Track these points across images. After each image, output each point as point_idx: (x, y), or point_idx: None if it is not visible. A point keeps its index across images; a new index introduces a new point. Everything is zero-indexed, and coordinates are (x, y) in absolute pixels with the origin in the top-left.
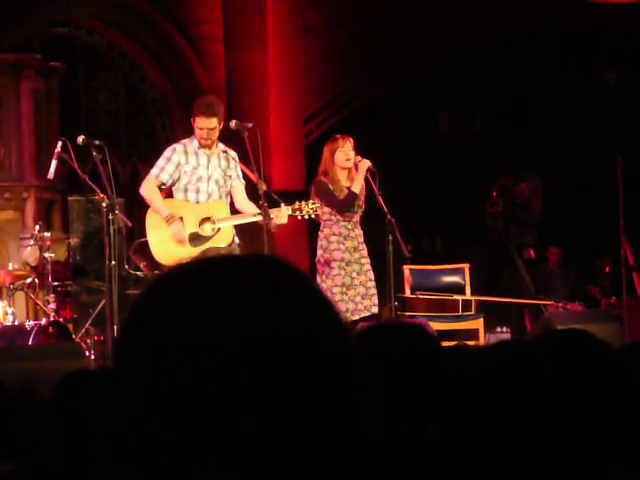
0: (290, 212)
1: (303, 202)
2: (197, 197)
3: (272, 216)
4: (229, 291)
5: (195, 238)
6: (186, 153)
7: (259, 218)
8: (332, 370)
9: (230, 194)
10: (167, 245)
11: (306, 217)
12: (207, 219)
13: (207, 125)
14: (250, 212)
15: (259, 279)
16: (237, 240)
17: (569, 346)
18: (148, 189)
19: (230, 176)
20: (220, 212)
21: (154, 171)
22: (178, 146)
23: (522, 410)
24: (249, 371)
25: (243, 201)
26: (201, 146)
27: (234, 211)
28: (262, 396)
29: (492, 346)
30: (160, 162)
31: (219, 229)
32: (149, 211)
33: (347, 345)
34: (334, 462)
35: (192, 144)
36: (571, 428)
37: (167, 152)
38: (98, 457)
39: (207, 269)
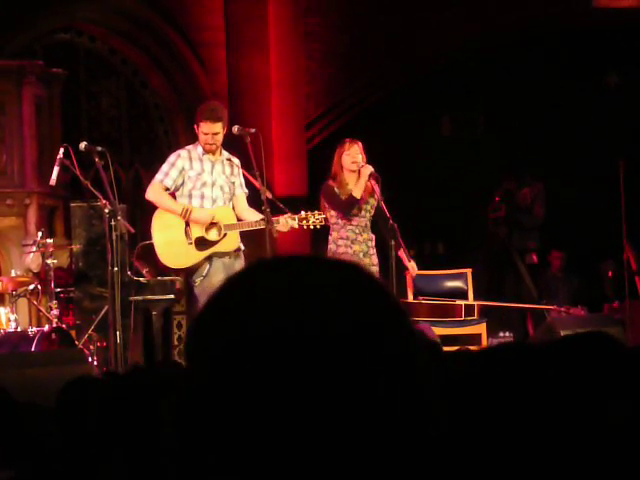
0: (296, 221)
1: (309, 212)
2: (201, 203)
3: (276, 223)
4: (308, 288)
5: (201, 242)
6: (190, 159)
7: (264, 225)
8: (401, 370)
9: (232, 202)
10: (172, 247)
11: (311, 227)
12: (214, 224)
13: (211, 130)
14: (255, 219)
15: (338, 280)
16: (242, 247)
17: (586, 350)
18: (154, 193)
19: (233, 183)
20: (227, 218)
21: (158, 176)
22: (182, 152)
23: (526, 412)
24: (323, 367)
25: (244, 209)
26: (205, 152)
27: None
28: (334, 392)
29: (494, 348)
30: (164, 167)
31: (225, 234)
32: (156, 213)
33: (415, 348)
34: (398, 463)
35: (196, 150)
36: (575, 432)
37: (171, 157)
38: (107, 462)
39: (289, 265)
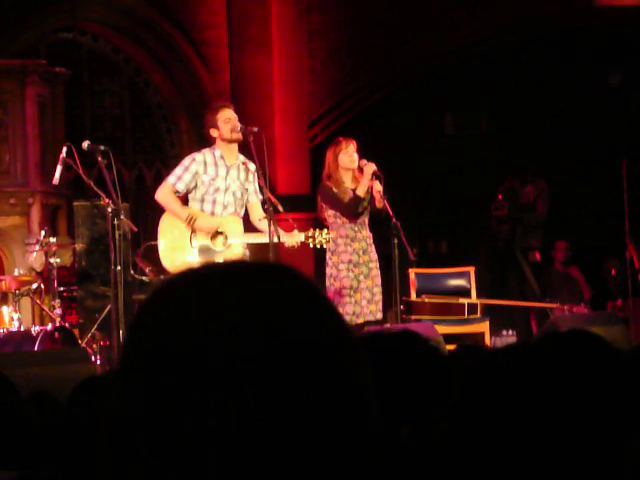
0: (303, 239)
1: (317, 230)
2: (213, 208)
3: (283, 240)
4: (234, 296)
5: (205, 250)
6: (205, 164)
7: (271, 240)
8: (335, 374)
9: (245, 207)
10: (175, 252)
11: (317, 246)
12: (220, 233)
13: (232, 115)
14: (263, 232)
15: (264, 285)
16: (247, 253)
17: (573, 347)
18: (164, 195)
19: (247, 189)
20: (234, 228)
21: (171, 179)
22: (198, 156)
23: (527, 412)
24: (253, 375)
25: (258, 216)
26: (233, 140)
27: (247, 223)
28: (265, 400)
29: (499, 349)
30: (178, 170)
31: (230, 245)
32: (164, 215)
33: (350, 351)
34: (339, 462)
35: (213, 154)
36: (575, 432)
37: (186, 161)
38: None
39: (214, 273)
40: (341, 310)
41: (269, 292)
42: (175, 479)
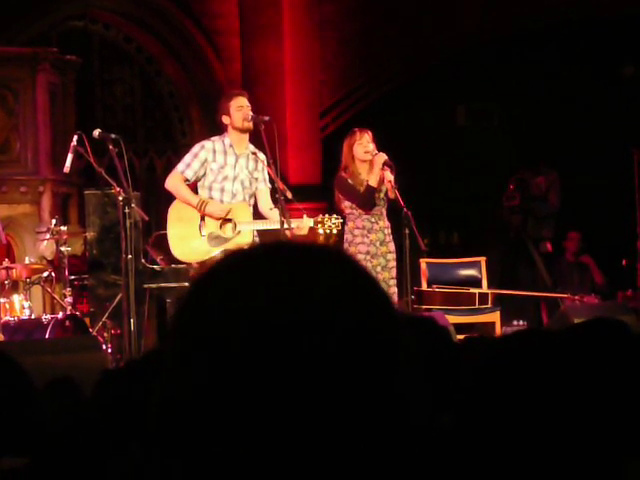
0: (312, 225)
1: (326, 216)
2: (221, 196)
3: (294, 226)
4: (291, 277)
5: (215, 238)
6: (214, 151)
7: (280, 226)
8: (385, 361)
9: (255, 196)
10: (185, 241)
11: (327, 232)
12: (229, 220)
13: (245, 102)
14: (275, 213)
15: (321, 267)
16: (257, 240)
17: (597, 335)
18: (174, 183)
19: (256, 178)
20: (243, 215)
21: (180, 166)
22: (207, 143)
23: (541, 399)
24: (306, 358)
25: (267, 206)
26: (244, 129)
27: (257, 213)
28: (316, 384)
29: (511, 335)
30: (187, 158)
31: (239, 231)
32: (173, 204)
33: (400, 338)
34: (386, 451)
35: (223, 142)
36: (590, 418)
37: (195, 148)
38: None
39: (271, 254)
40: None
41: (328, 275)
42: (248, 459)
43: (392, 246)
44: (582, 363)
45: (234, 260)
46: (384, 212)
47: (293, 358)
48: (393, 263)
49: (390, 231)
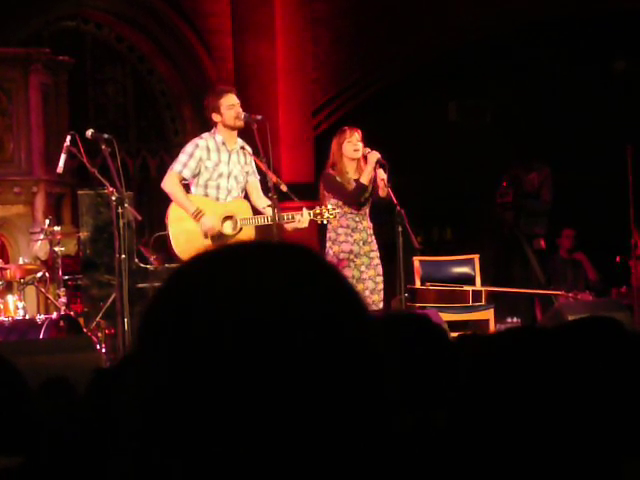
0: (312, 217)
1: (323, 207)
2: (217, 194)
3: (296, 219)
4: (255, 275)
5: (216, 236)
6: (208, 149)
7: (275, 220)
8: (354, 356)
9: (245, 189)
10: (186, 239)
11: (325, 222)
12: (229, 217)
13: (235, 100)
14: (268, 206)
15: (286, 264)
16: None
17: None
18: (171, 184)
19: (247, 172)
20: (243, 211)
21: (177, 167)
22: (200, 141)
23: (536, 396)
24: (270, 354)
25: (258, 196)
26: (236, 127)
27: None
28: (282, 379)
29: (503, 333)
30: (182, 158)
31: (241, 229)
32: (172, 204)
33: (369, 332)
34: (357, 446)
35: (214, 139)
36: (584, 416)
37: (189, 147)
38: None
39: (236, 253)
40: None
41: (287, 272)
42: (202, 456)
43: (375, 245)
44: (576, 361)
45: (197, 263)
46: (367, 212)
47: (259, 356)
48: (377, 260)
49: (372, 231)
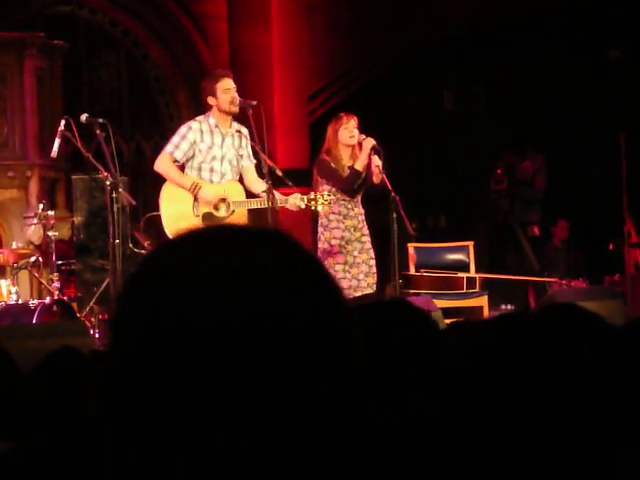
0: (305, 202)
1: (318, 193)
2: (210, 176)
3: (285, 204)
4: (230, 262)
5: (209, 218)
6: (202, 132)
7: (273, 204)
8: (332, 344)
9: (241, 174)
10: (178, 221)
11: (319, 209)
12: (222, 200)
13: (231, 85)
14: (262, 192)
15: (261, 251)
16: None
17: (565, 320)
18: (164, 165)
19: (242, 155)
20: (236, 194)
21: (169, 148)
22: (194, 124)
23: (520, 386)
24: (247, 344)
25: (253, 179)
26: (231, 112)
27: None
28: (260, 369)
29: (494, 319)
30: (175, 139)
31: (233, 211)
32: (165, 184)
33: (347, 320)
34: (334, 434)
35: (208, 122)
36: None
37: (182, 129)
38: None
39: (210, 239)
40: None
41: (258, 258)
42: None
43: (366, 230)
44: (563, 348)
45: (167, 250)
46: (359, 199)
47: (229, 347)
48: (369, 245)
49: (364, 217)
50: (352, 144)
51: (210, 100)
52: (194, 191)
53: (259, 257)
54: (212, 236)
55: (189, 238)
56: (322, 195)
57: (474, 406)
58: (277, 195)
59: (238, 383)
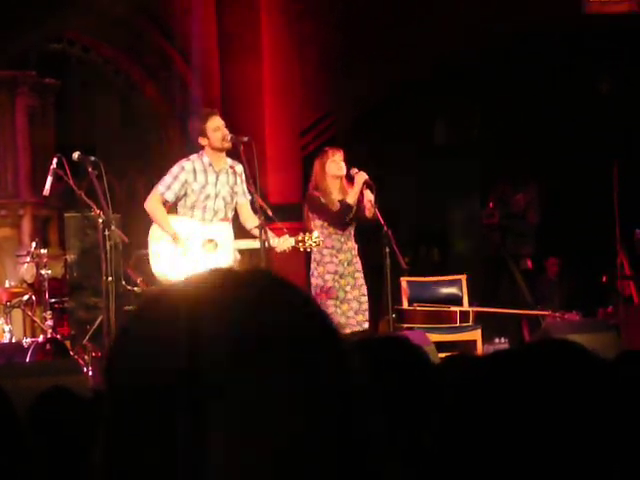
0: (293, 244)
1: (307, 234)
2: (203, 215)
3: (275, 244)
4: (220, 305)
5: (195, 258)
6: (195, 171)
7: (262, 247)
8: (325, 376)
9: (236, 210)
10: (166, 259)
11: (308, 250)
12: (210, 241)
13: (220, 122)
14: (255, 227)
15: (251, 290)
16: (238, 256)
17: (557, 356)
18: (153, 205)
19: (237, 192)
20: (225, 236)
21: (160, 188)
22: (187, 164)
23: (516, 420)
24: (242, 381)
25: (248, 216)
26: (223, 149)
27: (238, 225)
28: (254, 402)
29: (487, 356)
30: (167, 179)
31: (220, 251)
32: (154, 224)
33: (340, 353)
34: (328, 468)
35: (201, 160)
36: (565, 438)
37: (175, 169)
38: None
39: (198, 290)
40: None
41: (257, 294)
42: None
43: (359, 265)
44: (560, 382)
45: (154, 300)
46: (352, 232)
47: (208, 388)
48: (362, 281)
49: (357, 252)
50: (340, 175)
51: (202, 140)
52: (173, 240)
53: (249, 294)
54: (200, 287)
55: (175, 291)
56: (310, 236)
57: (475, 441)
58: (269, 234)
59: (232, 430)
